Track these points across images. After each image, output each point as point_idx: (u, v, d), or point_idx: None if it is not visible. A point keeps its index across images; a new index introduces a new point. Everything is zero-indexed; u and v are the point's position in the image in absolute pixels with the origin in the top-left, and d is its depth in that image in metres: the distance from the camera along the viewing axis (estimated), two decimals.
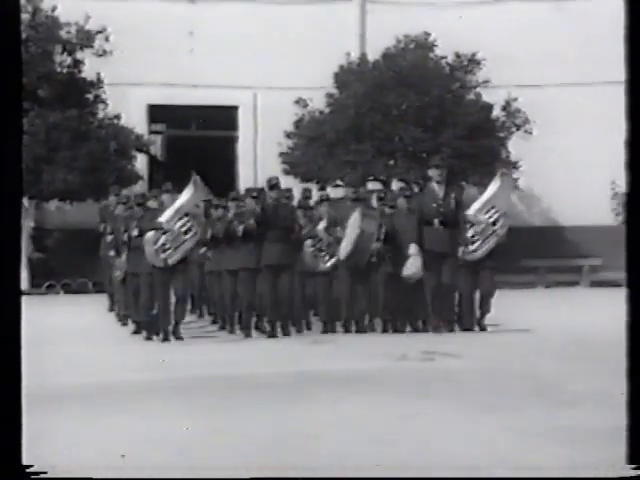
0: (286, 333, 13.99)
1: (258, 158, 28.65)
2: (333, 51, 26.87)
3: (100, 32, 26.07)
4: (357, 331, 14.17)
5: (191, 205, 13.65)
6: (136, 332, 14.48)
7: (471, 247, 13.70)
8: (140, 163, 27.39)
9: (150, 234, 13.28)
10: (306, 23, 28.40)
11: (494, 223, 13.94)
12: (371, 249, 14.04)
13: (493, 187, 14.30)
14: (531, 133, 26.47)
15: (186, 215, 13.53)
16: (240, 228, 13.79)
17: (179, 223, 13.42)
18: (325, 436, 6.18)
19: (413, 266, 13.44)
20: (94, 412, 7.23)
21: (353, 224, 14.10)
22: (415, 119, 25.96)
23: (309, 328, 14.79)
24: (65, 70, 26.17)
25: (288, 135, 26.81)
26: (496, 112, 26.77)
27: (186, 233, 13.42)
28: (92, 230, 20.25)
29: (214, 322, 15.51)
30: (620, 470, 4.87)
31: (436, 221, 13.35)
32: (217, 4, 28.72)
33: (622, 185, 27.48)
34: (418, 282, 13.62)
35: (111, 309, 17.15)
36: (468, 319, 13.70)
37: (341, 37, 28.01)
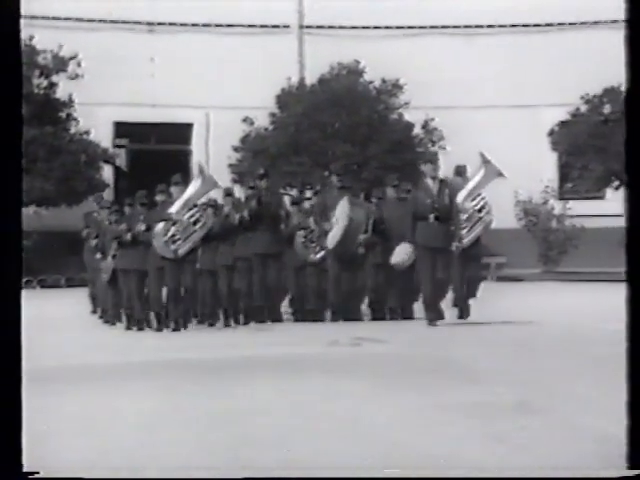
0: (275, 319, 12.85)
1: (210, 169, 28.56)
2: (276, 76, 26.97)
3: (72, 58, 26.04)
4: (345, 319, 12.84)
5: (199, 196, 12.49)
6: (136, 327, 12.68)
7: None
8: (107, 173, 27.37)
9: (160, 226, 12.14)
10: (252, 51, 28.49)
11: (480, 210, 12.72)
12: (359, 238, 12.85)
13: (478, 175, 12.86)
14: (445, 148, 26.68)
15: (195, 206, 12.41)
16: (236, 217, 12.69)
17: (188, 214, 12.31)
18: (267, 411, 6.21)
19: (401, 253, 12.33)
20: (73, 391, 7.24)
21: (342, 212, 12.82)
22: (346, 136, 26.15)
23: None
24: (42, 91, 26.06)
25: (236, 149, 26.87)
26: (416, 130, 27.04)
27: (195, 224, 12.33)
28: (66, 232, 20.15)
29: (200, 321, 13.26)
30: (620, 470, 4.81)
31: (431, 216, 11.84)
32: (175, 35, 28.72)
33: (524, 194, 27.88)
34: (407, 270, 12.50)
35: (94, 311, 15.03)
36: (460, 306, 12.34)
37: (282, 64, 28.13)
